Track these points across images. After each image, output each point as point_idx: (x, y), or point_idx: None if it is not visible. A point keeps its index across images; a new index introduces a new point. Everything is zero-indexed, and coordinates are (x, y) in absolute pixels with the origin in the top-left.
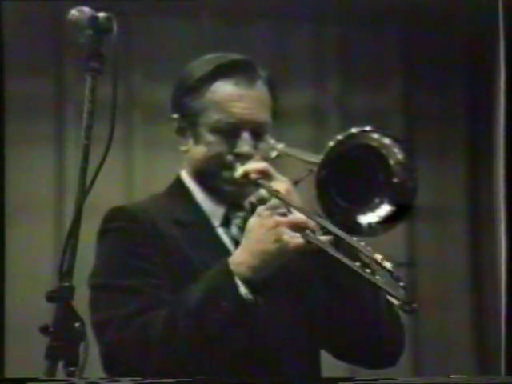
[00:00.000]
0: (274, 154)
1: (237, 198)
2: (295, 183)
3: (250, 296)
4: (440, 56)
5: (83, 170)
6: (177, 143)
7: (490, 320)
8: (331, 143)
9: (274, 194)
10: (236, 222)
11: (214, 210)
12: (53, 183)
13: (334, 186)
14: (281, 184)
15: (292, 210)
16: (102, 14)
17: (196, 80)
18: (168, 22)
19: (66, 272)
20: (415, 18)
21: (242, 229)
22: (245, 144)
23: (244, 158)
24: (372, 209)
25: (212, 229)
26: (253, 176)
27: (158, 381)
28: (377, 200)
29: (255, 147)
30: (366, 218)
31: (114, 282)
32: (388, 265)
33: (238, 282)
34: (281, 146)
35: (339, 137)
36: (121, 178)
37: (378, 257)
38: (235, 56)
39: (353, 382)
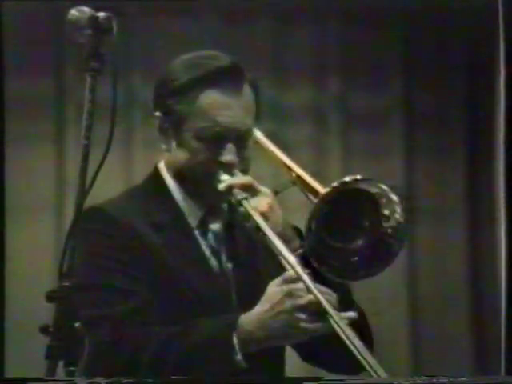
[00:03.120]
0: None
1: (216, 202)
2: (276, 193)
3: (243, 364)
4: (440, 56)
5: (83, 170)
6: (157, 140)
7: (490, 320)
8: (326, 189)
9: (253, 217)
10: (213, 228)
11: (191, 211)
12: (53, 183)
13: (325, 228)
14: (263, 199)
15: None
16: (101, 14)
17: (182, 84)
18: (168, 22)
19: (65, 272)
20: (416, 17)
21: (219, 237)
22: (229, 153)
23: (228, 166)
24: (355, 251)
25: (190, 232)
26: (236, 191)
27: (159, 381)
28: (361, 242)
29: (239, 155)
30: (354, 260)
31: (97, 282)
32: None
33: (237, 349)
34: (258, 133)
35: (334, 184)
36: (121, 178)
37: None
38: (222, 60)
39: (351, 382)
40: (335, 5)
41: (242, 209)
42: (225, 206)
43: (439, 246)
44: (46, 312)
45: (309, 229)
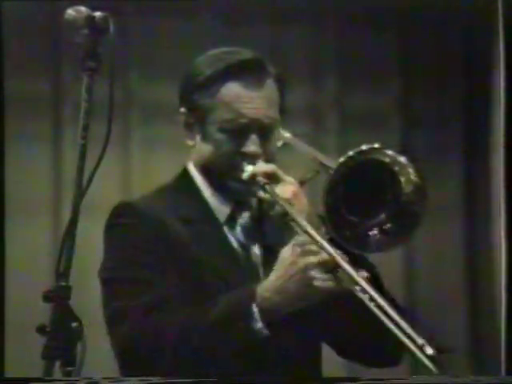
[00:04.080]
0: (280, 143)
1: (243, 197)
2: (301, 183)
3: (264, 331)
4: (438, 56)
5: (80, 170)
6: (183, 137)
7: (488, 320)
8: (341, 158)
9: (278, 201)
10: (241, 222)
11: (220, 207)
12: (50, 183)
13: (343, 201)
14: (288, 187)
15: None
16: (98, 14)
17: (206, 78)
18: (165, 22)
19: (62, 272)
20: (414, 18)
21: (246, 230)
22: (252, 144)
23: (251, 157)
24: (378, 224)
25: (218, 227)
26: (260, 179)
27: (163, 381)
28: (383, 216)
29: (263, 147)
30: (373, 233)
31: (122, 275)
32: (404, 325)
33: (256, 317)
34: (287, 135)
35: (350, 152)
36: (118, 178)
37: (395, 316)
38: (245, 54)
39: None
40: (333, 5)
41: (266, 195)
42: (253, 201)
43: (437, 245)
44: (45, 312)
45: (326, 203)
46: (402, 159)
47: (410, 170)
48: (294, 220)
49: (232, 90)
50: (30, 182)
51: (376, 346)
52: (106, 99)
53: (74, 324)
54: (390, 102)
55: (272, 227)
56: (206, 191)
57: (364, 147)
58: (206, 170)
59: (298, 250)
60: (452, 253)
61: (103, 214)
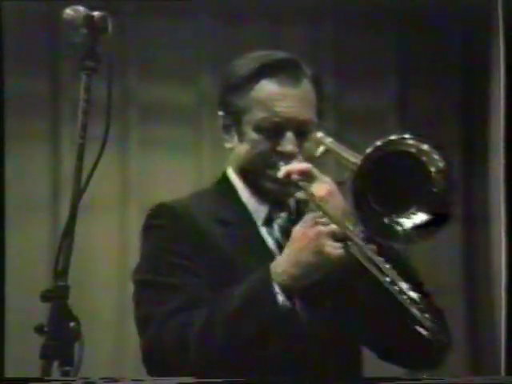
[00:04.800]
0: (321, 148)
1: (280, 197)
2: (339, 184)
3: (288, 304)
4: (436, 56)
5: (78, 169)
6: (223, 141)
7: (489, 320)
8: (369, 149)
9: (311, 197)
10: (278, 222)
11: (257, 209)
12: (48, 182)
13: (371, 192)
14: (323, 186)
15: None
16: (97, 13)
17: (240, 78)
18: (163, 21)
19: (60, 271)
20: (412, 17)
21: (284, 229)
22: (288, 143)
23: (287, 156)
24: (408, 216)
25: (255, 228)
26: (295, 177)
27: (162, 381)
28: (414, 208)
29: (299, 146)
30: (402, 225)
31: (154, 278)
32: (414, 295)
33: (278, 291)
34: (329, 140)
35: (378, 143)
36: (116, 177)
37: (404, 286)
38: (280, 54)
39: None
40: (332, 5)
41: (300, 194)
42: (291, 202)
43: (438, 245)
44: (44, 311)
45: (354, 193)
46: (426, 147)
47: (436, 157)
48: (327, 216)
49: (266, 88)
50: (29, 181)
51: (416, 349)
52: (105, 99)
53: (72, 324)
54: (388, 103)
55: None
56: (244, 193)
57: (393, 137)
58: (243, 171)
59: (309, 221)
60: (452, 253)
61: (101, 213)
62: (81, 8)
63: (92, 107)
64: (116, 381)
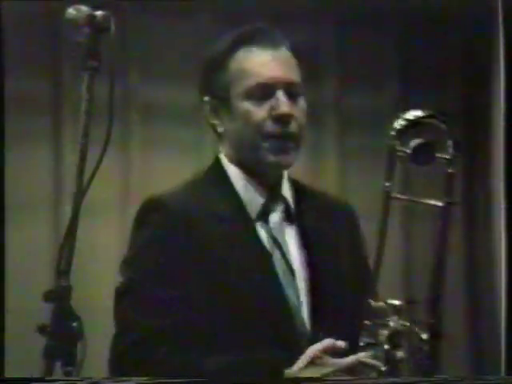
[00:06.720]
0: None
1: (276, 177)
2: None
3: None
4: (437, 57)
5: (80, 170)
6: (212, 127)
7: (489, 320)
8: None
9: None
10: (275, 216)
11: (252, 200)
12: (50, 183)
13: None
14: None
15: None
16: (99, 13)
17: (218, 53)
18: (166, 21)
19: (63, 271)
20: (413, 18)
21: (280, 225)
22: (283, 105)
23: (285, 121)
24: None
25: (248, 223)
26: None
27: (163, 381)
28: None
29: (292, 109)
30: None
31: (140, 285)
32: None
33: None
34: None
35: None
36: (118, 178)
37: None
38: (255, 25)
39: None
40: (333, 5)
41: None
42: (287, 193)
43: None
44: (45, 311)
45: None
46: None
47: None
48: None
49: (249, 55)
50: (31, 181)
51: None
52: (107, 99)
53: (75, 324)
54: (390, 104)
55: (310, 222)
56: (239, 182)
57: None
58: (237, 152)
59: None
60: (451, 252)
61: (103, 214)
62: (83, 7)
63: (94, 107)
64: (119, 380)
